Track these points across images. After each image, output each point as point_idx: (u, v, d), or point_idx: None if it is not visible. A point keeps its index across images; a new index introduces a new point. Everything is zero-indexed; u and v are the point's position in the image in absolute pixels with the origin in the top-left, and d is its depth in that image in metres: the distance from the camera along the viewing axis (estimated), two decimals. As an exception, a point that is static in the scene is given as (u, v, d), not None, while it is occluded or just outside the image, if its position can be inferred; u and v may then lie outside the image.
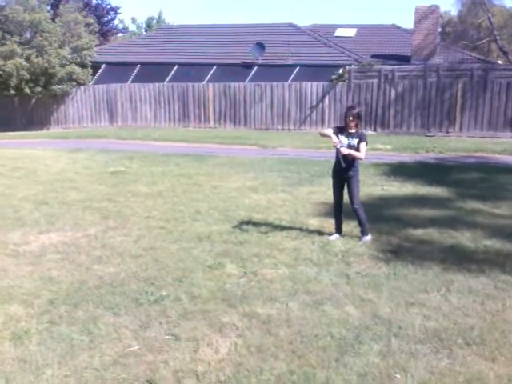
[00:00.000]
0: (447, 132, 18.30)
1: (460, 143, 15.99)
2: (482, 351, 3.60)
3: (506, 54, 27.47)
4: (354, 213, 6.14)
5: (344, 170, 6.04)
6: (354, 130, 5.97)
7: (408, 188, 9.24)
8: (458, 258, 5.47)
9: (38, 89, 21.54)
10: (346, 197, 6.23)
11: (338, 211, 6.31)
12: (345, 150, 5.86)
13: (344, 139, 5.95)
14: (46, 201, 8.29)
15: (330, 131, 6.07)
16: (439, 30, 26.39)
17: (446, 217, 7.23)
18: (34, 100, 22.26)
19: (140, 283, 4.88)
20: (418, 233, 6.45)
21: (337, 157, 6.06)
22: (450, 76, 18.21)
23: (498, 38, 27.10)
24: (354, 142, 5.93)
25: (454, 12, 40.44)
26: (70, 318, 4.16)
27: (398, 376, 3.31)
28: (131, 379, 3.33)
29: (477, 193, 8.81)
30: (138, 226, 6.87)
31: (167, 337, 3.86)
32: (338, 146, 5.87)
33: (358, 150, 5.93)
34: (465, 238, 6.20)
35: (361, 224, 6.17)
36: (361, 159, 6.03)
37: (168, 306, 4.36)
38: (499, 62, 25.55)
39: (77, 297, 4.56)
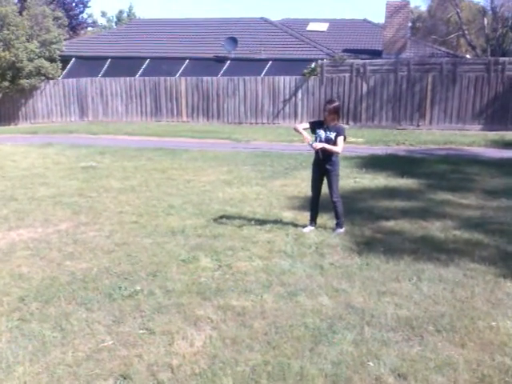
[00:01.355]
0: (418, 125, 18.59)
1: (430, 136, 16.28)
2: (452, 337, 3.69)
3: (474, 48, 28.03)
4: (332, 204, 6.19)
5: (322, 163, 6.08)
6: (332, 124, 6.00)
7: (380, 180, 9.37)
8: (429, 248, 5.57)
9: (6, 83, 21.03)
10: (322, 190, 6.28)
11: (315, 203, 6.33)
12: (318, 145, 5.92)
13: (322, 133, 5.99)
14: (15, 197, 8.12)
15: (304, 126, 6.11)
16: (409, 24, 26.74)
17: (416, 208, 7.36)
18: (0, 95, 21.72)
19: (113, 278, 4.82)
20: (390, 224, 6.55)
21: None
22: (420, 70, 18.50)
23: (466, 32, 27.63)
24: (332, 135, 5.96)
25: (423, 7, 41.09)
26: (41, 315, 4.08)
27: (370, 363, 3.37)
28: (105, 374, 3.30)
29: (446, 184, 8.98)
30: (111, 221, 6.78)
31: (141, 331, 3.83)
32: (310, 143, 5.92)
33: (335, 143, 5.97)
34: (435, 228, 6.32)
35: (337, 217, 6.22)
36: (338, 153, 6.06)
37: (142, 301, 4.32)
38: (468, 56, 26.03)
39: (48, 293, 4.48)
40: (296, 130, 6.11)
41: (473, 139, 15.21)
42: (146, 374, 3.29)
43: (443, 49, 24.82)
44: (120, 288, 4.56)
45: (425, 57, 20.19)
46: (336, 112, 5.97)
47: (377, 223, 6.59)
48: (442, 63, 18.38)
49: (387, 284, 4.62)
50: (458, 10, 26.46)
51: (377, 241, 5.87)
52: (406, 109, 18.77)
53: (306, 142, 5.96)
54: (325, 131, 5.99)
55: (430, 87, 18.39)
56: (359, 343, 3.62)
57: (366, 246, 5.68)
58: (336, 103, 6.07)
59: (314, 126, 6.10)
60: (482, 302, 4.24)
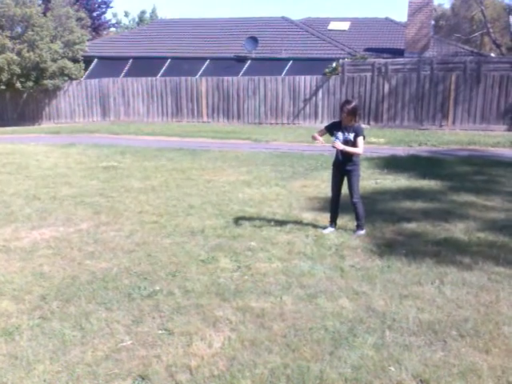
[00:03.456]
0: (440, 125, 18.33)
1: (453, 136, 16.03)
2: (476, 343, 3.60)
3: (499, 46, 27.55)
4: (352, 206, 6.11)
5: (342, 164, 6.00)
6: (349, 125, 5.90)
7: (401, 181, 9.25)
8: (452, 251, 5.47)
9: (30, 84, 21.37)
10: (343, 191, 6.22)
11: (335, 204, 6.26)
12: (340, 145, 5.82)
13: (340, 134, 5.89)
14: (38, 196, 8.22)
15: (321, 132, 6.07)
16: (432, 23, 26.41)
17: (439, 210, 7.24)
18: (25, 95, 22.09)
19: (133, 278, 4.84)
20: (412, 226, 6.45)
21: (336, 150, 6.01)
22: (443, 69, 18.22)
23: (491, 30, 27.16)
24: (351, 136, 5.85)
25: (447, 5, 40.61)
26: (61, 314, 4.11)
27: (392, 369, 3.30)
28: (124, 374, 3.30)
29: (470, 185, 8.82)
30: (131, 220, 6.82)
31: (160, 331, 3.83)
32: (333, 140, 5.86)
33: (354, 144, 5.88)
34: (458, 231, 6.20)
35: (358, 218, 6.14)
36: (359, 154, 5.98)
37: (161, 301, 4.32)
38: (492, 54, 25.58)
39: (69, 292, 4.52)
40: (314, 138, 6.04)
41: (497, 140, 14.93)
42: (165, 375, 3.29)
43: (467, 47, 24.45)
44: (139, 288, 4.58)
45: (448, 56, 19.91)
46: (354, 113, 5.82)
47: (398, 225, 6.49)
48: (466, 62, 18.07)
49: (409, 287, 4.54)
50: (483, 8, 26.03)
51: (398, 243, 5.78)
52: (428, 109, 18.51)
53: (332, 145, 5.88)
54: (343, 132, 5.89)
55: (453, 87, 18.10)
56: (380, 347, 3.55)
57: (388, 248, 5.60)
58: (353, 104, 5.90)
59: (332, 129, 6.00)
60: (507, 307, 4.14)
